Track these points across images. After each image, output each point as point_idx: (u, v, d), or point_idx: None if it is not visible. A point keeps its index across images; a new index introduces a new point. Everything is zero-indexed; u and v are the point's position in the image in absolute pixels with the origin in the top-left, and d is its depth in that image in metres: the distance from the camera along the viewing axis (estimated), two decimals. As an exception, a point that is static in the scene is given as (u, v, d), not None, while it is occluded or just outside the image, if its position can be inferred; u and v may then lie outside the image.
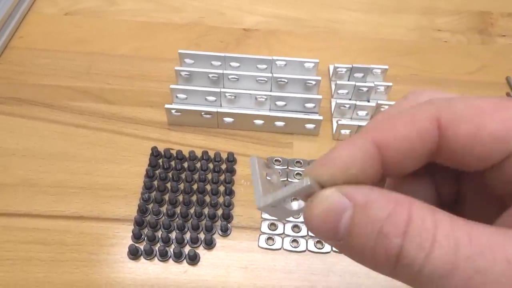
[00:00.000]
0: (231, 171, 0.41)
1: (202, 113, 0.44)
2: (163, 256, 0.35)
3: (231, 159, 0.42)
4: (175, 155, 0.42)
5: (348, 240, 0.15)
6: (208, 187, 0.40)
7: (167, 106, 0.44)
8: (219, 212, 0.39)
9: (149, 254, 0.35)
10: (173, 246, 0.36)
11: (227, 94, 0.45)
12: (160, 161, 0.42)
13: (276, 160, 0.43)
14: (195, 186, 0.40)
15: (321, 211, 0.15)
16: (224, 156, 0.43)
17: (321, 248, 0.37)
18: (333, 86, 0.50)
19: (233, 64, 0.48)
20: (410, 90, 0.18)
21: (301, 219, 0.39)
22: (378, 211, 0.14)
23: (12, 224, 0.37)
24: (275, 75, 0.47)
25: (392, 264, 0.14)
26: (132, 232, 0.36)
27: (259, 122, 0.45)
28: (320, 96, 0.45)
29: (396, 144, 0.15)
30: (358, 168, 0.15)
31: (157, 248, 0.36)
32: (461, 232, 0.13)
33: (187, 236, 0.37)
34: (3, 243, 0.36)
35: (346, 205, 0.15)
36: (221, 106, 0.46)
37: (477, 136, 0.14)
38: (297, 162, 0.43)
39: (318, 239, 0.37)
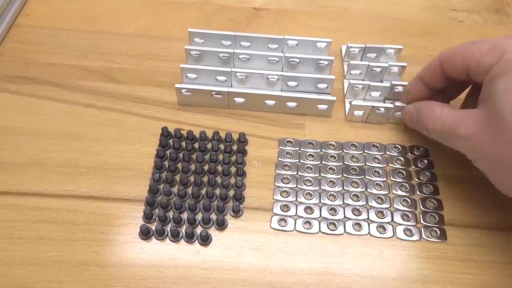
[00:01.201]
0: (243, 152, 0.41)
1: (213, 93, 0.43)
2: (175, 237, 0.35)
3: (243, 140, 0.42)
4: (185, 135, 0.42)
5: (417, 122, 0.39)
6: (220, 168, 0.40)
7: (177, 85, 0.43)
8: (231, 193, 0.38)
9: (160, 235, 0.35)
10: (184, 226, 0.36)
11: (238, 74, 0.44)
12: (171, 141, 0.41)
13: (288, 141, 0.43)
14: (206, 167, 0.40)
15: (407, 113, 0.41)
16: (235, 137, 0.42)
17: (334, 230, 0.37)
18: (345, 67, 0.49)
19: (244, 43, 0.47)
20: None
21: (314, 201, 0.38)
22: (423, 111, 0.38)
23: (23, 204, 0.37)
24: (286, 54, 0.46)
25: (426, 129, 0.38)
26: (143, 212, 0.36)
27: (270, 102, 0.44)
28: (333, 77, 0.44)
29: (428, 74, 0.39)
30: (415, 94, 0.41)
31: (168, 228, 0.36)
32: (448, 115, 0.35)
33: (199, 216, 0.37)
34: (15, 222, 0.36)
35: (414, 110, 0.40)
36: (231, 86, 0.45)
37: (464, 64, 0.35)
38: (309, 143, 0.43)
39: (331, 221, 0.37)
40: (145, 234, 0.35)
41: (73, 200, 0.37)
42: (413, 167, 0.41)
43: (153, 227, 0.36)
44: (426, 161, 0.42)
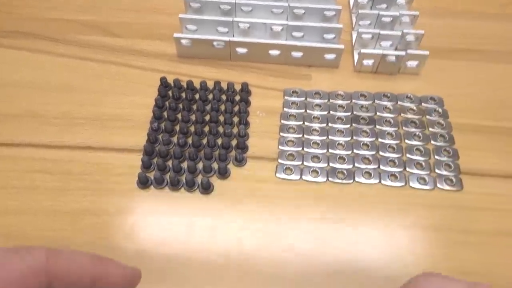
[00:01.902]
0: (246, 101, 0.39)
1: (214, 42, 0.41)
2: (175, 185, 0.33)
3: (246, 90, 0.39)
4: (185, 86, 0.40)
5: None
6: (222, 118, 0.38)
7: (176, 35, 0.41)
8: (233, 142, 0.36)
9: (159, 183, 0.33)
10: (185, 175, 0.34)
11: (240, 24, 0.42)
12: (170, 92, 0.40)
13: (293, 92, 0.40)
14: (207, 117, 0.38)
15: None
16: (237, 87, 0.40)
17: (343, 179, 0.35)
18: (354, 19, 0.47)
19: (247, -6, 0.45)
20: (417, 275, 0.22)
21: (321, 150, 0.36)
22: None
23: (16, 154, 0.35)
24: (291, 4, 0.43)
25: None
26: (142, 161, 0.34)
27: (275, 52, 0.42)
28: (340, 25, 0.42)
29: None
30: None
31: (168, 177, 0.34)
32: None
33: (200, 166, 0.35)
34: (8, 172, 0.34)
35: None
36: (233, 37, 0.43)
37: None
38: (316, 93, 0.40)
39: (339, 170, 0.35)
40: (143, 183, 0.33)
41: (69, 150, 0.36)
42: (427, 117, 0.39)
43: (151, 176, 0.34)
44: (440, 110, 0.39)
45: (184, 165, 0.35)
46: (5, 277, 0.17)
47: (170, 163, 0.35)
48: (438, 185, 0.34)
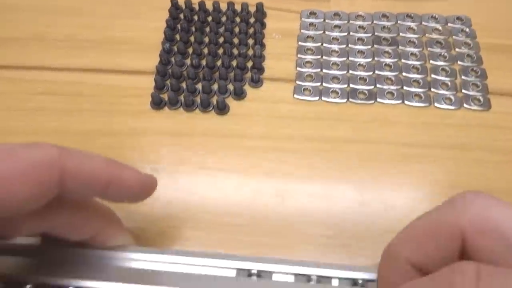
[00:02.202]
0: (261, 23, 0.37)
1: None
2: (189, 106, 0.32)
3: (261, 10, 0.37)
4: (197, 8, 0.38)
5: None
6: (236, 40, 0.36)
7: (187, -47, 0.38)
8: (249, 64, 0.35)
9: (173, 104, 0.32)
10: (199, 95, 0.33)
11: None
12: (181, 15, 0.38)
13: (311, 13, 0.38)
14: (221, 40, 0.36)
15: None
16: (252, 9, 0.38)
17: (364, 99, 0.33)
18: None
19: None
20: (459, 193, 0.18)
21: (341, 71, 0.34)
22: None
23: (22, 77, 0.34)
24: None
25: None
26: (155, 81, 0.33)
27: (291, -28, 0.39)
28: None
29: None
30: None
31: (182, 97, 0.32)
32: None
33: (215, 87, 0.33)
34: (15, 94, 0.33)
35: None
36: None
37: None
38: (336, 14, 0.38)
39: (360, 91, 0.33)
40: (157, 103, 0.32)
41: (78, 73, 0.34)
42: (454, 37, 0.37)
43: (165, 97, 0.33)
44: (468, 30, 0.37)
45: (199, 86, 0.33)
46: (16, 167, 0.16)
47: (184, 84, 0.33)
48: (465, 105, 0.33)
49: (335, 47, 0.36)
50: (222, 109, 0.32)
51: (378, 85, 0.34)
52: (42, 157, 0.17)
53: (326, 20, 0.38)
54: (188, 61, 0.35)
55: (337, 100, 0.33)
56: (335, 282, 0.22)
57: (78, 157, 0.18)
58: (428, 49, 0.36)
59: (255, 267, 0.22)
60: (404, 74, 0.34)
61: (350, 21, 0.38)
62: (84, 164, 0.18)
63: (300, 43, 0.36)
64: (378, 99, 0.33)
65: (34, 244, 0.22)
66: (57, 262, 0.22)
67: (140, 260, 0.22)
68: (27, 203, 0.17)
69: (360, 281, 0.22)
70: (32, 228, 0.19)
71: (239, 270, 0.22)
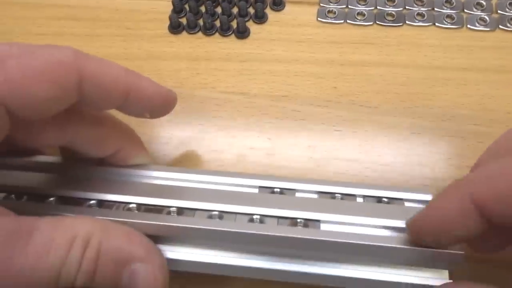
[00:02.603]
0: None
1: None
2: (209, 30, 0.31)
3: None
4: None
5: None
6: (256, -40, 0.34)
7: None
8: (271, -14, 0.33)
9: (192, 28, 0.31)
10: (219, 19, 0.31)
11: None
12: None
13: None
14: (241, -39, 0.34)
15: None
16: None
17: (392, 21, 0.31)
18: None
19: None
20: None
21: (368, -9, 0.32)
22: None
23: (40, 1, 0.33)
24: None
25: None
26: (173, 3, 0.32)
27: None
28: None
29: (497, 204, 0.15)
30: (460, 229, 0.16)
31: (201, 21, 0.31)
32: None
33: (235, 10, 0.32)
34: (33, 19, 0.32)
35: None
36: None
37: None
38: None
39: (388, 12, 0.31)
40: (175, 27, 0.31)
41: (94, -3, 0.33)
42: (491, -46, 0.34)
43: (183, 21, 0.31)
44: None
45: (218, 9, 0.32)
46: (31, 66, 0.16)
47: (203, 8, 0.32)
48: (501, 25, 0.31)
49: (362, -33, 0.34)
50: (243, 32, 0.31)
51: (407, 7, 0.32)
52: (59, 57, 0.17)
53: None
54: (206, -16, 0.33)
55: (363, 22, 0.31)
56: (359, 200, 0.22)
57: (96, 61, 0.18)
58: (463, -33, 0.33)
59: (278, 185, 0.22)
60: (435, -6, 0.32)
61: None
62: (102, 69, 0.18)
63: (324, -37, 0.34)
64: (407, 22, 0.31)
65: (54, 161, 0.23)
66: (79, 178, 0.22)
67: (161, 178, 0.22)
68: (46, 105, 0.17)
69: (385, 199, 0.21)
70: (53, 139, 0.19)
71: (261, 188, 0.22)
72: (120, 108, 0.20)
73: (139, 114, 0.21)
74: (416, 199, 0.21)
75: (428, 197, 0.21)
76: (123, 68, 0.19)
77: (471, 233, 0.16)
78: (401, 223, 0.19)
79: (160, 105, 0.21)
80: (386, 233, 0.20)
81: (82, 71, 0.17)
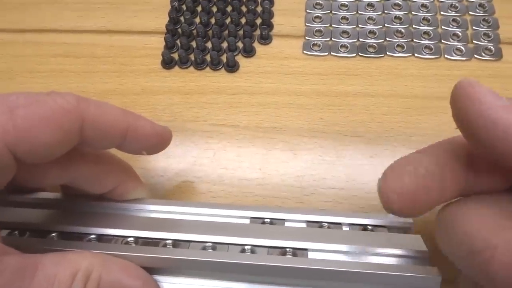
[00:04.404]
0: (269, -22, 0.37)
1: None
2: (200, 64, 0.33)
3: (269, -35, 0.37)
4: (205, -35, 0.37)
5: None
6: (245, -4, 0.36)
7: None
8: (258, 21, 0.35)
9: (184, 63, 0.33)
10: (209, 54, 0.33)
11: None
12: (189, -27, 0.37)
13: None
14: (229, -3, 0.36)
15: None
16: (260, -35, 0.38)
17: (374, 52, 0.33)
18: None
19: None
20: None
21: (351, 26, 0.34)
22: None
23: (39, 40, 0.35)
24: None
25: None
26: (165, 40, 0.33)
27: None
28: None
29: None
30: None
31: (192, 56, 0.33)
32: None
33: (225, 45, 0.34)
34: (33, 57, 0.34)
35: None
36: None
37: None
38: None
39: (370, 44, 0.33)
40: (168, 62, 0.33)
41: (91, 34, 0.35)
42: (465, -13, 0.36)
43: (175, 56, 0.33)
44: (480, -21, 0.36)
45: (209, 44, 0.34)
46: (37, 113, 0.17)
47: (194, 43, 0.34)
48: (476, 55, 0.33)
49: (344, 1, 0.36)
50: (232, 66, 0.32)
51: (388, 39, 0.34)
52: (63, 104, 0.18)
53: (336, -26, 0.37)
54: (197, 20, 0.35)
55: (346, 54, 0.33)
56: (345, 228, 0.23)
57: (96, 106, 0.19)
58: (439, 0, 0.36)
59: (268, 216, 0.23)
60: (414, 26, 0.34)
61: (360, -26, 0.37)
62: (102, 113, 0.19)
63: (309, -2, 0.36)
64: (388, 53, 0.33)
65: (56, 198, 0.24)
66: (79, 213, 0.23)
67: (157, 211, 0.24)
68: (50, 149, 0.18)
69: (369, 227, 0.23)
70: (54, 179, 0.20)
71: (252, 219, 0.23)
72: (118, 147, 0.22)
73: (136, 151, 0.22)
74: (399, 226, 0.23)
75: (410, 223, 0.23)
76: (121, 109, 0.20)
77: None
78: (384, 250, 0.21)
79: (157, 143, 0.22)
80: (371, 259, 0.21)
81: (84, 116, 0.18)
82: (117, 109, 0.20)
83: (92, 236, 0.22)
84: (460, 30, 0.34)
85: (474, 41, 0.33)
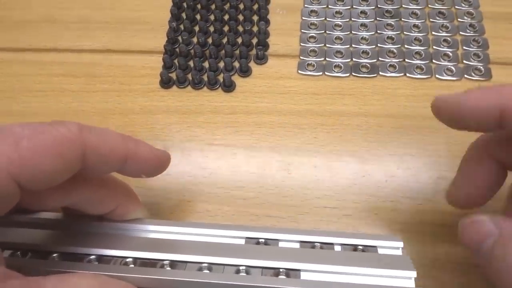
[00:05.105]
0: (265, -1, 0.38)
1: None
2: (197, 84, 0.33)
3: (265, -14, 0.38)
4: (202, -15, 0.38)
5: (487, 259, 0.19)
6: (241, 16, 0.37)
7: None
8: (254, 41, 0.36)
9: (182, 82, 0.34)
10: (206, 74, 0.34)
11: None
12: (187, -8, 0.38)
13: (314, -13, 0.39)
14: (226, 17, 0.37)
15: (471, 230, 0.20)
16: (256, -15, 0.38)
17: (367, 72, 0.34)
18: None
19: None
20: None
21: (344, 46, 0.35)
22: None
23: (39, 59, 0.35)
24: None
25: None
26: (163, 60, 0.34)
27: None
28: None
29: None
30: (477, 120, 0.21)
31: (190, 76, 0.34)
32: None
33: (221, 64, 0.34)
34: (33, 76, 0.35)
35: (493, 233, 0.19)
36: None
37: None
38: (339, -13, 0.39)
39: (363, 64, 0.34)
40: (166, 82, 0.33)
41: (91, 54, 0.36)
42: (456, 7, 0.37)
43: (174, 76, 0.34)
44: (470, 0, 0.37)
45: (206, 64, 0.34)
46: (41, 144, 0.18)
47: (191, 63, 0.35)
48: (466, 75, 0.33)
49: (338, 21, 0.37)
50: (229, 86, 0.33)
51: (380, 59, 0.35)
52: (65, 134, 0.19)
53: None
54: (194, 40, 0.36)
55: (340, 74, 0.34)
56: (337, 248, 0.24)
57: (98, 133, 0.20)
58: (430, 20, 0.37)
59: (262, 236, 0.24)
60: (406, 46, 0.35)
61: (353, -6, 0.38)
62: (103, 139, 0.20)
63: (303, 18, 0.37)
64: (380, 72, 0.34)
65: (57, 218, 0.24)
66: (79, 233, 0.24)
67: (156, 231, 0.24)
68: (53, 177, 0.19)
69: (360, 247, 0.24)
70: (56, 202, 0.21)
71: (247, 239, 0.24)
72: (118, 171, 0.22)
73: (135, 175, 0.23)
74: (388, 246, 0.24)
75: (400, 244, 0.24)
76: (121, 135, 0.21)
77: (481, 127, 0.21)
78: (374, 271, 0.22)
79: (155, 167, 0.23)
80: (361, 280, 0.22)
81: (86, 143, 0.19)
82: (117, 134, 0.21)
83: (92, 256, 0.23)
84: (450, 50, 0.35)
85: (464, 61, 0.34)
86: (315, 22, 0.37)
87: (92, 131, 0.20)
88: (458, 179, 0.24)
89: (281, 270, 0.22)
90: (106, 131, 0.21)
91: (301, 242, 0.24)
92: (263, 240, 0.24)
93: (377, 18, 0.37)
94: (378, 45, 0.35)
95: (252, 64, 0.35)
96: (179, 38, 0.36)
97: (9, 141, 0.17)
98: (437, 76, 0.34)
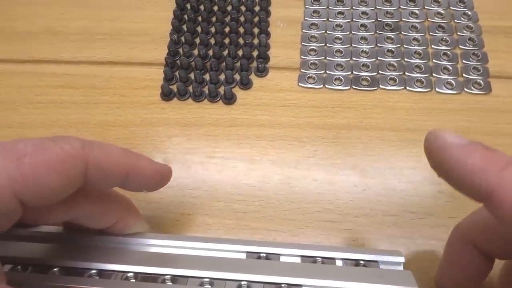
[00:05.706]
0: (266, 11, 0.38)
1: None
2: (198, 96, 0.33)
3: (265, -1, 0.38)
4: (203, -3, 0.39)
5: None
6: (241, 29, 0.37)
7: None
8: (255, 53, 0.36)
9: (183, 95, 0.34)
10: (207, 86, 0.34)
11: None
12: (188, 5, 0.38)
13: (315, 0, 0.39)
14: (227, 29, 0.37)
15: None
16: (257, -3, 0.39)
17: (367, 85, 0.34)
18: None
19: None
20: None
21: (345, 58, 0.35)
22: None
23: (39, 70, 0.35)
24: None
25: None
26: (164, 72, 0.34)
27: (295, -41, 0.40)
28: None
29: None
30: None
31: (191, 88, 0.34)
32: None
33: (222, 77, 0.35)
34: (33, 88, 0.35)
35: None
36: None
37: None
38: (339, 1, 0.39)
39: (363, 77, 0.34)
40: (166, 94, 0.33)
41: (91, 65, 0.36)
42: (455, 21, 0.37)
43: (174, 88, 0.34)
44: (470, 13, 0.38)
45: (207, 76, 0.35)
46: (44, 160, 0.18)
47: (192, 75, 0.35)
48: (466, 89, 0.34)
49: (338, 34, 0.37)
50: (229, 99, 0.33)
51: (380, 72, 0.35)
52: (68, 150, 0.18)
53: (330, 7, 0.39)
54: (195, 52, 0.36)
55: (340, 87, 0.34)
56: (339, 263, 0.23)
57: (100, 149, 0.20)
58: (430, 33, 0.37)
59: (264, 250, 0.24)
60: (406, 59, 0.35)
61: (353, 7, 0.39)
62: (105, 155, 0.20)
63: (304, 30, 0.37)
64: (381, 86, 0.34)
65: (58, 232, 0.24)
66: (80, 248, 0.24)
67: (156, 245, 0.24)
68: (55, 193, 0.19)
69: (362, 262, 0.24)
70: (58, 217, 0.21)
71: (248, 254, 0.24)
72: (119, 186, 0.22)
73: (137, 190, 0.23)
74: (390, 261, 0.24)
75: (401, 259, 0.23)
76: (122, 150, 0.21)
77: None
78: (375, 287, 0.22)
79: (157, 181, 0.23)
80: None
81: (88, 160, 0.19)
82: (119, 150, 0.21)
83: (93, 271, 0.23)
84: (450, 63, 0.35)
85: (464, 75, 0.34)
86: (315, 35, 0.37)
87: (94, 147, 0.20)
88: (444, 266, 0.23)
89: (282, 285, 0.22)
90: (108, 146, 0.21)
91: (302, 256, 0.24)
92: (264, 255, 0.24)
93: (377, 31, 0.37)
94: (378, 58, 0.35)
95: (252, 77, 0.35)
96: (180, 50, 0.36)
97: (12, 158, 0.17)
98: (437, 89, 0.34)
